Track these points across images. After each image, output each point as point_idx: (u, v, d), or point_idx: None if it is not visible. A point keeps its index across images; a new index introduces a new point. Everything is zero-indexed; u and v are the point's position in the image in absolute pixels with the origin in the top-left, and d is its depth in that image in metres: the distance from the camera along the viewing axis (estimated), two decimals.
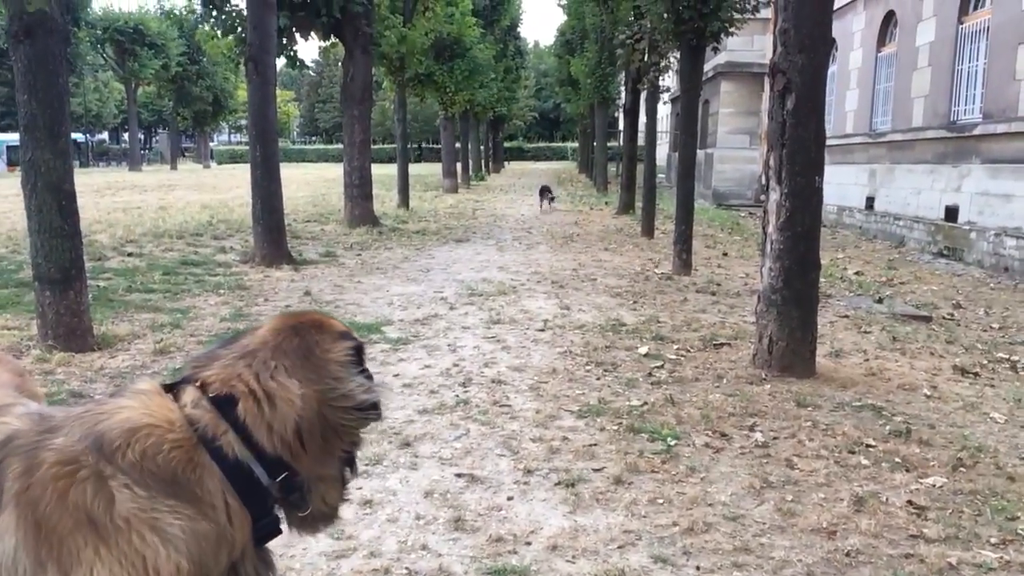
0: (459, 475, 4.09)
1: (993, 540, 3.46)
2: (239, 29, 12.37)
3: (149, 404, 1.50)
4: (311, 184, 33.54)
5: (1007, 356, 6.90)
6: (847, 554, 3.33)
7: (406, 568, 3.22)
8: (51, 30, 5.98)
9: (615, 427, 4.78)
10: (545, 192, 21.97)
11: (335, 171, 35.23)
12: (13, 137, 46.45)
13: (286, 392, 1.51)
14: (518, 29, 44.09)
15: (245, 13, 11.42)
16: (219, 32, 12.83)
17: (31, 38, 5.92)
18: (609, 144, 34.52)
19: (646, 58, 13.90)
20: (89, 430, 1.44)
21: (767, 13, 8.08)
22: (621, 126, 26.79)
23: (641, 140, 20.84)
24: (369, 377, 1.63)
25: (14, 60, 6.03)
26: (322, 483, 1.59)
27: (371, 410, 1.60)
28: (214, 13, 12.33)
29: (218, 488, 1.46)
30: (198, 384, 1.54)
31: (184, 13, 14.23)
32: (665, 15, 10.36)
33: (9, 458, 1.45)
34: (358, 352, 1.63)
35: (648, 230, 15.19)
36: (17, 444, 1.46)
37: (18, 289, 8.58)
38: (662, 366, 6.13)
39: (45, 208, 6.12)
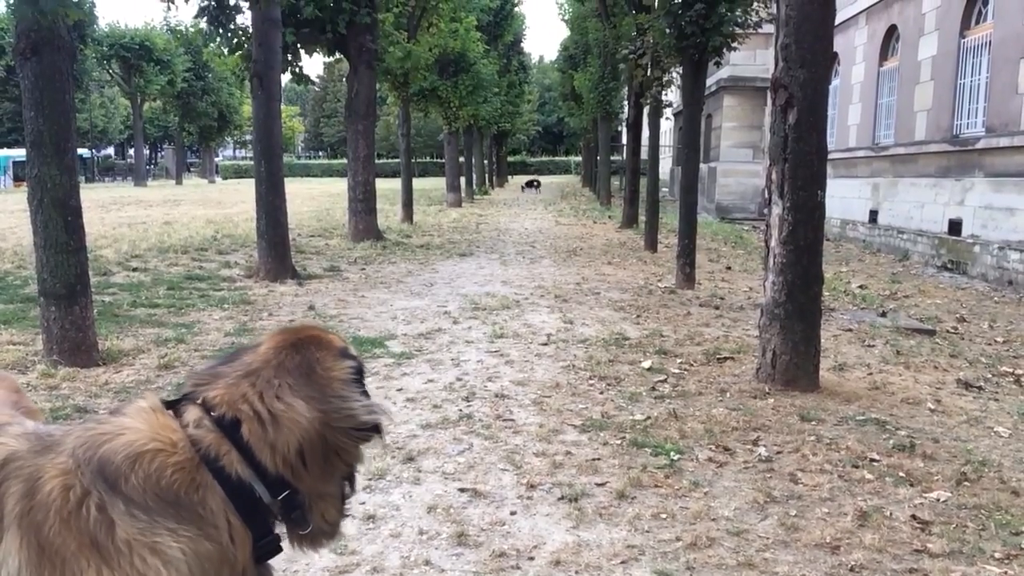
0: (462, 490, 4.09)
1: (997, 555, 3.45)
2: (245, 46, 12.45)
3: (152, 424, 1.50)
4: (315, 199, 33.66)
5: (1011, 370, 6.88)
6: (851, 569, 3.32)
7: None
8: (58, 47, 6.03)
9: (618, 441, 4.78)
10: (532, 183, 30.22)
11: (339, 186, 35.34)
12: (19, 153, 46.67)
13: (291, 413, 1.52)
14: (521, 44, 44.37)
15: (251, 30, 11.50)
16: (225, 50, 12.91)
17: (38, 55, 5.97)
18: (612, 158, 34.61)
19: (649, 73, 13.97)
20: (91, 453, 1.44)
21: (769, 28, 8.12)
22: (624, 140, 26.87)
23: (644, 154, 20.96)
24: (368, 397, 1.64)
25: (21, 77, 6.08)
26: (322, 501, 1.59)
27: (372, 431, 1.61)
28: (220, 30, 12.41)
29: (220, 508, 1.47)
30: (200, 403, 1.54)
31: (190, 30, 14.31)
32: (667, 30, 10.42)
33: (9, 480, 1.45)
34: (359, 372, 1.64)
35: (651, 244, 15.21)
36: (17, 466, 1.46)
37: (23, 304, 8.62)
38: (665, 380, 6.13)
39: (51, 224, 6.15)
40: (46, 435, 1.54)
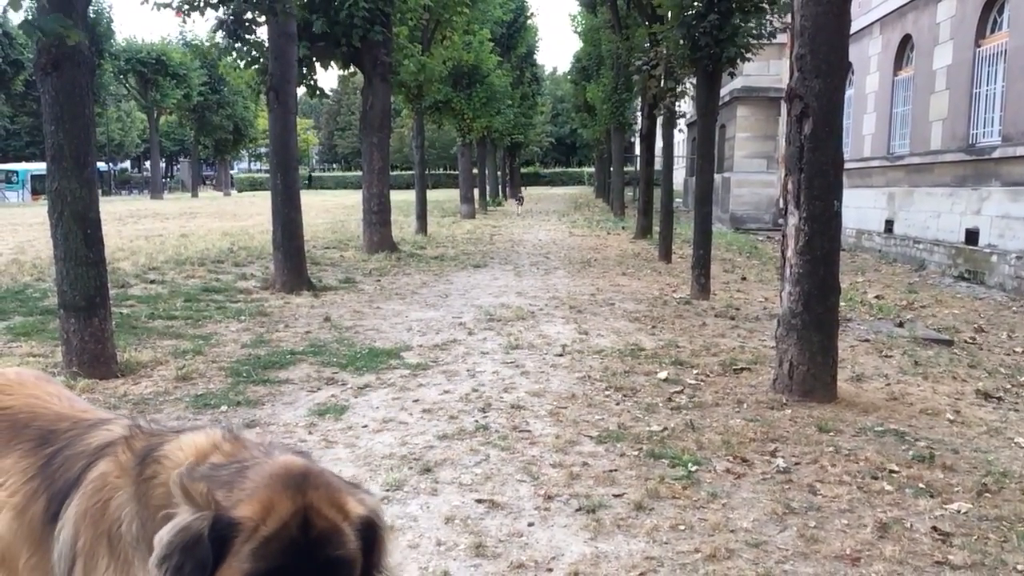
0: (479, 501, 4.09)
1: (1020, 567, 3.42)
2: (261, 60, 12.55)
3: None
4: (330, 211, 33.81)
5: None
6: None
7: None
8: (78, 62, 6.11)
9: (635, 453, 4.77)
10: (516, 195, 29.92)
11: (354, 198, 35.49)
12: (37, 167, 47.16)
13: None
14: (535, 56, 44.47)
15: (267, 44, 11.60)
16: (241, 64, 13.02)
17: (59, 70, 6.04)
18: (626, 169, 34.61)
19: (662, 84, 13.99)
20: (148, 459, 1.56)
21: (783, 38, 8.14)
22: (637, 151, 26.89)
23: (658, 165, 20.96)
24: None
25: (42, 91, 6.16)
26: None
27: None
28: (236, 44, 12.51)
29: None
30: None
31: (206, 44, 14.44)
32: (681, 41, 10.43)
33: (105, 458, 1.61)
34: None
35: (666, 254, 15.19)
36: (113, 448, 1.63)
37: (43, 316, 8.69)
38: (682, 391, 6.12)
39: (71, 237, 6.21)
40: (151, 432, 1.69)
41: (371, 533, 1.41)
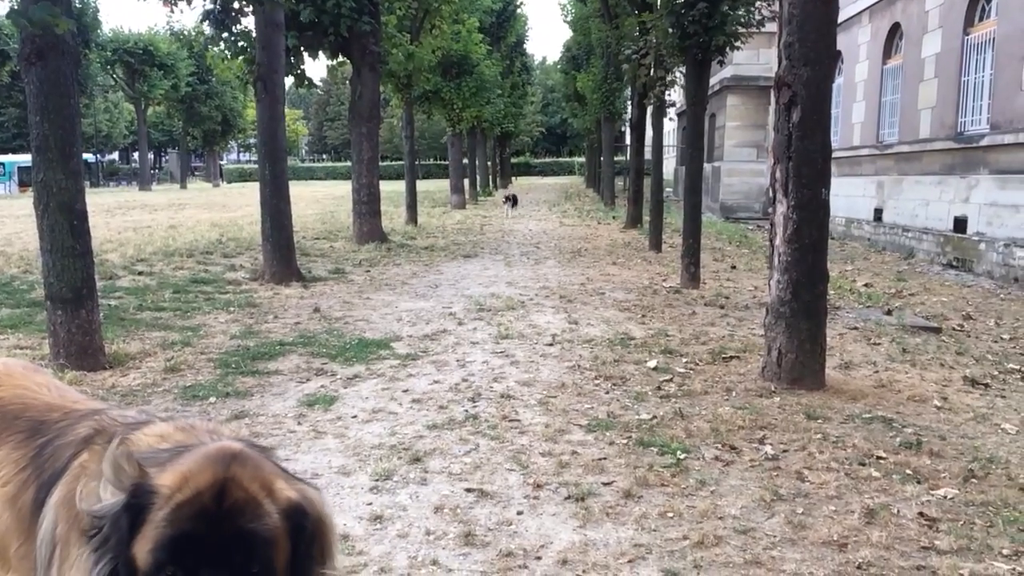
0: (469, 490, 4.09)
1: (1005, 551, 3.44)
2: (248, 50, 12.48)
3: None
4: (320, 202, 33.70)
5: (1018, 367, 6.87)
6: (859, 567, 3.32)
7: None
8: (63, 52, 6.06)
9: (624, 441, 4.78)
10: (510, 199, 27.36)
11: (343, 188, 35.39)
12: (24, 158, 46.85)
13: None
14: (524, 45, 44.35)
15: (254, 34, 11.53)
16: (228, 54, 12.93)
17: (43, 60, 6.00)
18: (616, 159, 34.62)
19: (652, 73, 13.97)
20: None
21: (772, 27, 8.14)
22: (628, 140, 26.89)
23: (648, 154, 20.95)
24: None
25: (26, 82, 6.11)
26: None
27: None
28: (223, 34, 12.43)
29: None
30: None
31: (193, 34, 14.32)
32: (670, 30, 10.42)
33: (92, 446, 1.63)
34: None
35: (656, 244, 15.20)
36: (101, 438, 1.65)
37: (30, 309, 8.64)
38: (671, 380, 6.13)
39: (57, 228, 6.17)
40: (132, 419, 1.73)
41: (303, 520, 1.37)
